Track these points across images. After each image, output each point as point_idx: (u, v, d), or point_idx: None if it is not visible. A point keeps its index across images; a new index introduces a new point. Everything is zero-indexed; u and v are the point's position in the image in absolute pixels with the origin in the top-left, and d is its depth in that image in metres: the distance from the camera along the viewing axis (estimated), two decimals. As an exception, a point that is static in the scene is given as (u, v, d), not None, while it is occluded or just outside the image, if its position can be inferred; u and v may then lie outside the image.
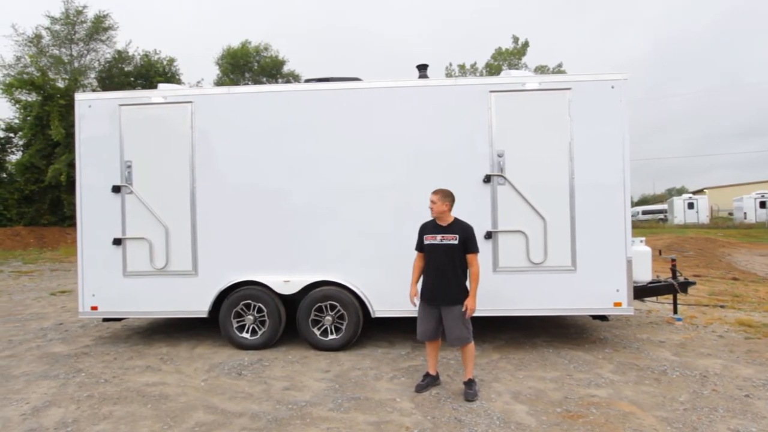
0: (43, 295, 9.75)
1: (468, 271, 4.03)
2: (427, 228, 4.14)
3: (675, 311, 6.58)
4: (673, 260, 6.61)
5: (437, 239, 4.01)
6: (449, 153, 5.25)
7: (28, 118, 22.54)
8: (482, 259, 5.07)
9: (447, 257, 3.94)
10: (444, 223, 4.05)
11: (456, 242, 3.95)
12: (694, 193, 44.90)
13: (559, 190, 5.15)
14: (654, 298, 7.32)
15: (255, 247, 5.42)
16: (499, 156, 5.19)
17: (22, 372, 4.78)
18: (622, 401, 3.80)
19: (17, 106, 23.08)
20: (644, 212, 45.02)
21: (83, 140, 5.58)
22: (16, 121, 23.65)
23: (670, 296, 6.54)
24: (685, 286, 6.34)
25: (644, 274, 6.02)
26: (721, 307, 7.53)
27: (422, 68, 6.01)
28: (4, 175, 23.54)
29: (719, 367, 4.59)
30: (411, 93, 5.36)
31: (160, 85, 5.95)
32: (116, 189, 5.49)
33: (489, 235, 5.18)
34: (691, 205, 36.98)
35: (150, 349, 5.51)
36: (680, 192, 55.82)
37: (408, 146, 5.30)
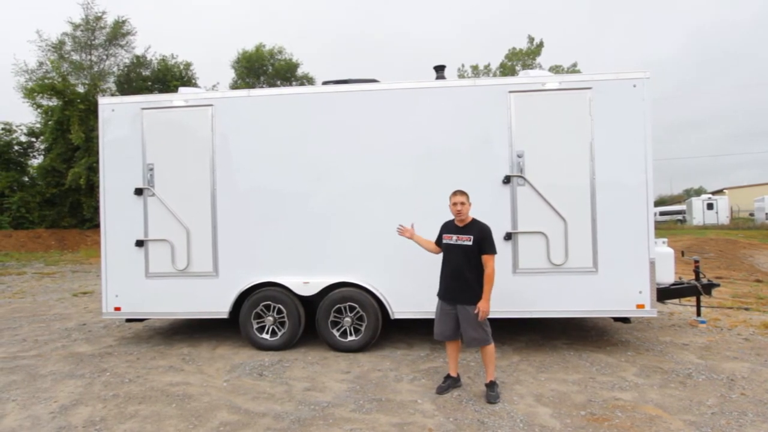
0: (66, 296, 9.95)
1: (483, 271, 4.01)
2: (446, 227, 4.16)
3: (698, 313, 6.45)
4: (696, 261, 6.49)
5: (453, 239, 4.02)
6: (468, 154, 5.23)
7: (50, 122, 23.09)
8: (502, 260, 5.08)
9: (463, 258, 3.93)
10: (462, 224, 4.04)
11: (470, 243, 3.94)
12: (714, 193, 43.99)
13: (580, 190, 5.09)
14: (675, 301, 7.20)
15: (275, 248, 5.46)
16: (519, 156, 5.15)
17: (49, 371, 4.88)
18: (648, 405, 3.74)
19: (39, 110, 23.63)
20: (662, 213, 44.26)
21: (106, 143, 5.69)
22: (38, 125, 24.23)
23: (693, 298, 6.42)
24: (709, 288, 6.21)
25: (667, 276, 5.92)
26: (746, 309, 7.37)
27: (440, 69, 6.00)
28: (26, 179, 24.11)
29: (746, 370, 4.49)
30: (429, 94, 5.36)
31: (181, 89, 6.02)
32: (138, 191, 5.59)
33: (509, 237, 5.15)
34: (710, 206, 36.22)
35: (172, 350, 5.59)
36: (698, 192, 54.77)
37: (426, 147, 5.30)
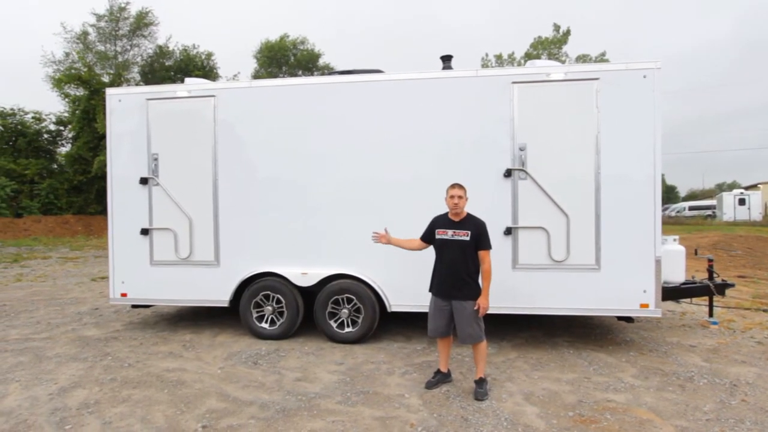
0: (85, 280, 10.29)
1: (480, 267, 3.93)
2: (439, 222, 4.06)
3: (711, 314, 6.22)
4: (710, 260, 6.24)
5: (449, 234, 3.93)
6: (470, 146, 5.13)
7: (77, 111, 23.77)
8: (501, 255, 5.01)
9: (459, 253, 3.86)
10: (457, 219, 3.96)
11: (468, 238, 3.87)
12: (747, 188, 42.24)
13: (584, 185, 4.94)
14: (690, 300, 6.96)
15: (275, 239, 5.50)
16: (521, 149, 5.02)
17: (55, 353, 5.06)
18: (641, 408, 3.63)
19: (66, 100, 24.34)
20: (691, 208, 42.83)
21: (113, 133, 5.80)
22: (66, 114, 24.97)
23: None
24: (722, 288, 5.98)
25: (677, 275, 5.72)
26: (764, 311, 7.06)
27: (446, 59, 5.89)
28: (55, 166, 24.96)
29: (753, 375, 4.30)
30: (432, 85, 5.26)
31: (187, 80, 6.08)
32: (144, 181, 5.69)
33: (509, 231, 5.04)
34: (742, 201, 34.80)
35: (175, 336, 5.72)
36: (731, 187, 52.73)
37: (428, 139, 5.22)
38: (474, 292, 3.89)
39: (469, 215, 4.00)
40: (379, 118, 5.31)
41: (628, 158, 4.87)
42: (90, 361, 4.80)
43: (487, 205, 5.02)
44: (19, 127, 23.44)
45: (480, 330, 3.89)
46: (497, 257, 5.03)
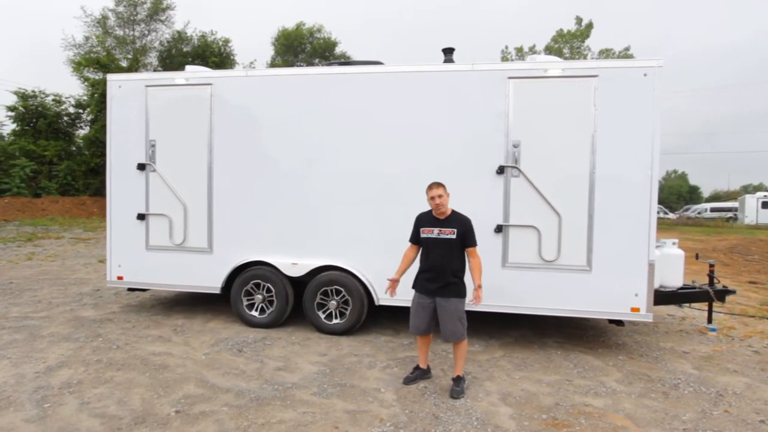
0: (92, 261, 10.53)
1: (469, 264, 3.90)
2: (423, 220, 4.02)
3: (709, 320, 6.07)
4: (711, 265, 6.07)
5: (434, 233, 3.90)
6: (463, 141, 5.06)
7: (95, 95, 24.16)
8: (491, 253, 4.97)
9: (445, 251, 3.83)
10: (442, 216, 3.92)
11: (454, 237, 3.83)
12: (772, 190, 40.94)
13: (578, 184, 4.84)
14: (695, 305, 6.78)
15: (267, 228, 5.53)
16: (515, 146, 4.93)
17: (50, 333, 5.19)
18: (618, 414, 3.57)
19: (86, 83, 24.75)
20: (713, 209, 41.75)
21: (113, 119, 5.88)
22: (85, 97, 25.40)
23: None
24: (722, 294, 5.82)
25: (675, 279, 5.59)
26: (769, 319, 6.86)
27: (448, 52, 5.79)
28: (74, 148, 25.48)
29: (742, 386, 4.19)
30: (428, 78, 5.19)
31: (187, 67, 6.11)
32: (141, 167, 5.76)
33: (499, 229, 4.98)
34: (765, 204, 33.75)
35: (168, 320, 5.82)
36: (758, 189, 51.15)
37: (422, 133, 5.16)
38: (459, 289, 3.86)
39: (453, 212, 3.96)
40: (375, 110, 5.26)
41: (625, 159, 4.75)
42: (81, 342, 4.91)
43: (479, 201, 4.98)
44: (39, 109, 23.95)
45: (463, 328, 3.87)
46: (487, 255, 4.99)
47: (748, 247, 17.58)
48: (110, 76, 5.97)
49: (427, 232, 3.95)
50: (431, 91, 5.13)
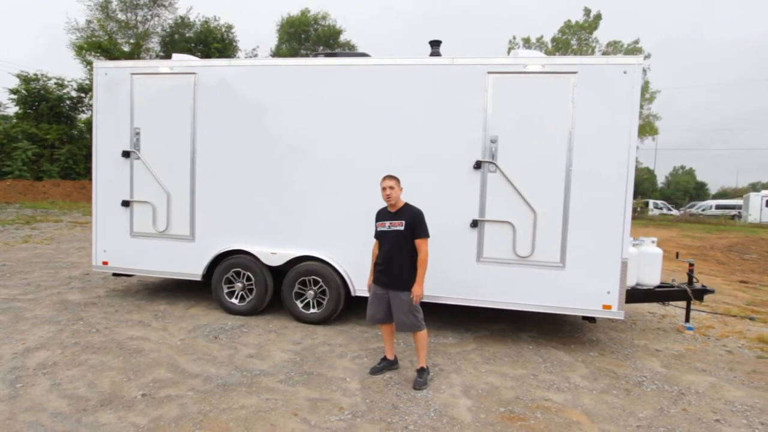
0: (87, 246, 10.65)
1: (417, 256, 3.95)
2: (380, 215, 4.12)
3: (687, 319, 6.10)
4: (691, 264, 6.09)
5: (386, 226, 3.97)
6: (442, 136, 5.08)
7: (98, 79, 24.15)
8: (466, 247, 5.02)
9: (395, 243, 3.90)
10: (394, 209, 3.98)
11: (402, 228, 3.89)
12: (778, 189, 40.53)
13: (554, 181, 4.85)
14: (679, 304, 6.79)
15: (247, 217, 5.60)
16: (492, 142, 4.94)
17: (33, 315, 5.31)
18: (575, 409, 3.63)
19: (88, 67, 24.76)
20: (717, 207, 41.46)
21: (99, 106, 5.93)
22: (87, 81, 25.43)
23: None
24: (700, 293, 5.84)
25: (651, 277, 5.62)
26: (750, 319, 6.88)
27: (435, 44, 5.79)
28: (75, 132, 25.59)
29: (706, 385, 4.24)
30: (409, 71, 5.19)
31: (174, 56, 6.12)
32: (126, 154, 5.83)
33: (475, 224, 5.01)
34: (770, 203, 33.45)
35: (150, 305, 5.92)
36: (764, 187, 50.64)
37: (402, 127, 5.18)
38: (409, 282, 3.90)
39: (406, 205, 4.01)
40: (356, 102, 5.28)
41: (601, 156, 4.75)
42: (62, 324, 5.03)
43: (456, 196, 5.02)
44: (42, 92, 24.03)
45: (416, 319, 3.92)
46: (462, 249, 5.06)
47: (748, 246, 17.49)
48: (97, 64, 6.01)
49: (381, 226, 4.04)
50: (412, 85, 5.14)
